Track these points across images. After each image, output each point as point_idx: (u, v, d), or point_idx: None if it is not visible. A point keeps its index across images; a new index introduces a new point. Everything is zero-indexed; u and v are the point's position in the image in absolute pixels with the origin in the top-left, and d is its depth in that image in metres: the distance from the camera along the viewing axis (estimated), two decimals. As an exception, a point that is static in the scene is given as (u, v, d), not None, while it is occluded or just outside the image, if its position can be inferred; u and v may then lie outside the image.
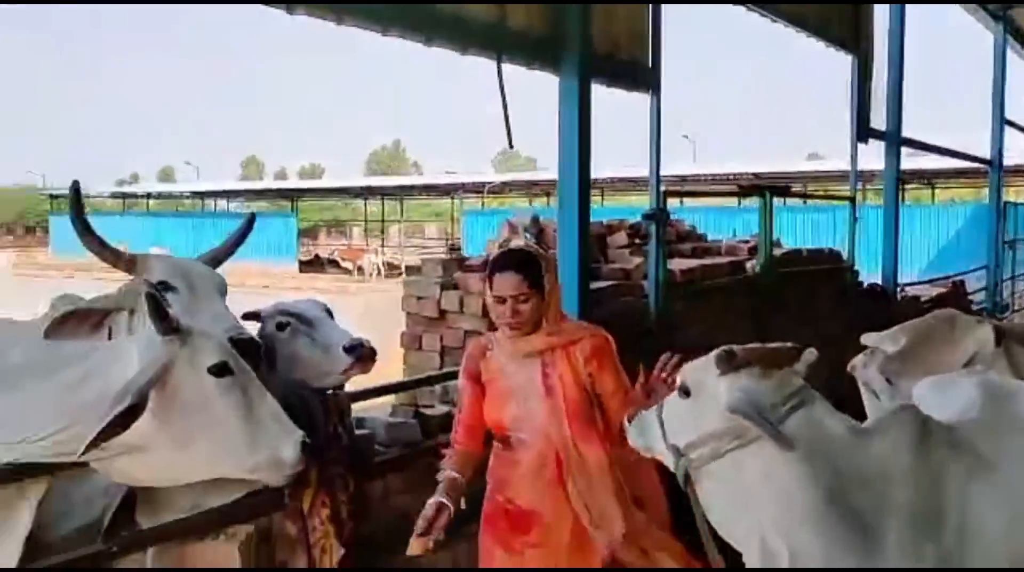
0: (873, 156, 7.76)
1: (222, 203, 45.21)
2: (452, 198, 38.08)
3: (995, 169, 10.73)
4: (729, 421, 2.26)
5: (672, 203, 5.49)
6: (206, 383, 2.44)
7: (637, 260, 5.18)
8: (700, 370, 2.37)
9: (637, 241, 5.59)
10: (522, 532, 2.93)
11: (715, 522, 2.43)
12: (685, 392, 2.38)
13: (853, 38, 7.33)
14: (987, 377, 3.03)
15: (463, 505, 2.85)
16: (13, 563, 2.41)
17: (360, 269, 29.20)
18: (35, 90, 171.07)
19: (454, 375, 3.95)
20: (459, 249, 31.36)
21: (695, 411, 2.35)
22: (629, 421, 2.66)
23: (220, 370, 2.47)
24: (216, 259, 3.26)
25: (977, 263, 13.21)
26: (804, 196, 12.57)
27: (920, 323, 4.19)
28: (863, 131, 7.34)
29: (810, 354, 2.38)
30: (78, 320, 2.83)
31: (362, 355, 3.03)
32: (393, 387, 3.93)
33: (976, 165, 11.63)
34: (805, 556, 2.31)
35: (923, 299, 8.82)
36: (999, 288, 10.57)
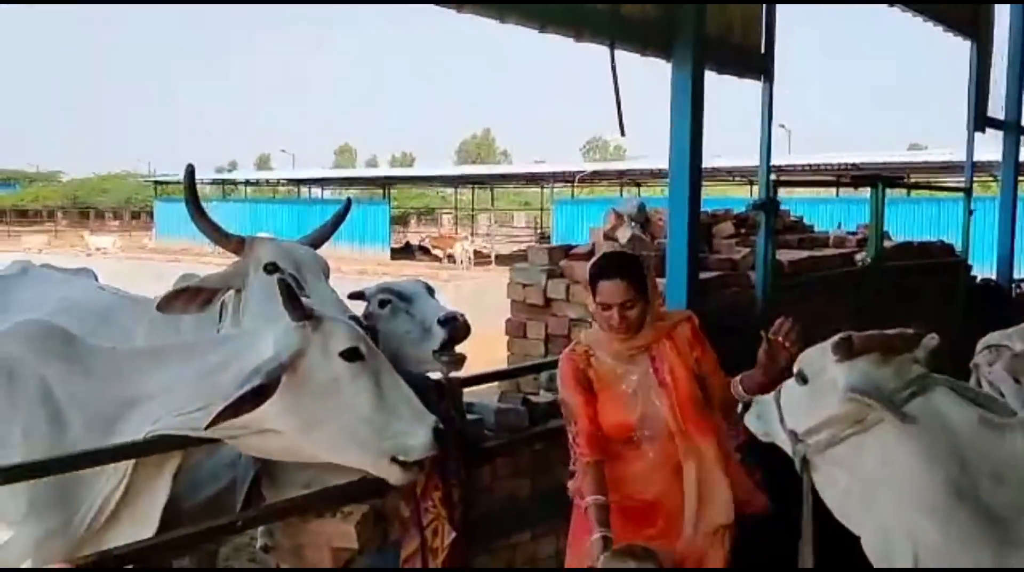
0: (980, 147, 7.41)
1: (316, 190, 46.25)
2: (542, 187, 38.08)
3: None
4: (847, 406, 2.24)
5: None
6: (338, 368, 2.52)
7: (744, 250, 5.08)
8: (817, 356, 2.36)
9: (743, 231, 5.49)
10: (648, 525, 2.88)
11: (832, 508, 2.40)
12: (803, 378, 2.37)
13: (972, 23, 7.01)
14: None
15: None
16: (152, 531, 2.53)
17: (451, 257, 29.45)
18: (142, 80, 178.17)
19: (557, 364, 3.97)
20: (548, 238, 31.40)
21: (812, 397, 2.34)
22: (745, 408, 2.63)
23: (351, 355, 2.55)
24: (316, 241, 3.38)
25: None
26: (918, 186, 12.07)
27: (1052, 319, 4.00)
28: (980, 120, 7.02)
29: (931, 340, 2.36)
30: (189, 296, 2.99)
31: (456, 328, 3.08)
32: (502, 373, 3.96)
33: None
34: (925, 547, 2.24)
35: (1040, 295, 8.41)
36: (1123, 285, 9.97)
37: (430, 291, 3.42)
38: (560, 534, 3.81)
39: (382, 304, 3.28)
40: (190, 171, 3.13)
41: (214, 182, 48.51)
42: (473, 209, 42.57)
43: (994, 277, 7.83)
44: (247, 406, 2.36)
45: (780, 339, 2.70)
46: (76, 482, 2.41)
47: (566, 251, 4.74)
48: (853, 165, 23.47)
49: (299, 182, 44.43)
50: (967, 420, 2.28)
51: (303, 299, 2.59)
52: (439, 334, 3.13)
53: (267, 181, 47.87)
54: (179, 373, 2.52)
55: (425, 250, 33.35)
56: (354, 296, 3.33)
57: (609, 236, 4.82)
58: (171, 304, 2.98)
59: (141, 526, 2.52)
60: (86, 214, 56.56)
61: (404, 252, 34.50)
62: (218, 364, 2.51)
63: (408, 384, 3.07)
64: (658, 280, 3.32)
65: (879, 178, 5.95)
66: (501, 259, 28.03)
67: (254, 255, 3.09)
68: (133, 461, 2.47)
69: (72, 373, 2.50)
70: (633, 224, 4.80)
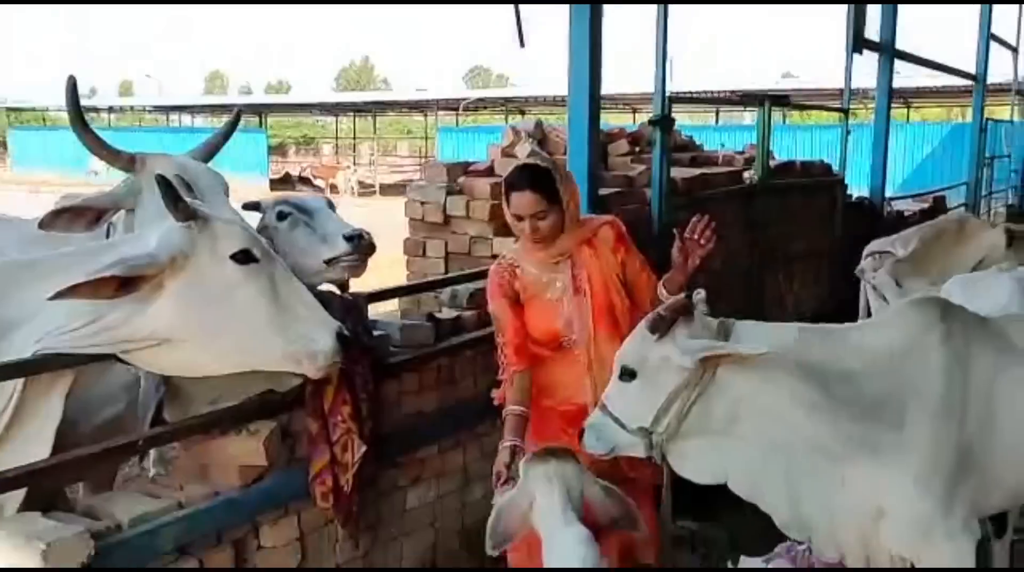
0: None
1: (186, 118, 44.17)
2: (425, 115, 37.52)
3: (979, 85, 10.72)
4: (684, 374, 2.33)
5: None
6: (229, 271, 2.38)
7: (639, 167, 5.15)
8: (637, 346, 2.43)
9: (637, 149, 5.55)
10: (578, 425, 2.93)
11: (692, 478, 2.53)
12: (629, 374, 2.43)
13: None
14: (1022, 272, 3.08)
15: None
16: (45, 454, 2.40)
17: (334, 187, 28.79)
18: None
19: (463, 279, 3.95)
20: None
21: (647, 385, 2.41)
22: (581, 433, 2.62)
23: (243, 257, 2.40)
24: (206, 156, 3.20)
25: (955, 180, 13.37)
26: (802, 107, 12.53)
27: (930, 226, 4.26)
28: (858, 42, 7.25)
29: (698, 294, 2.48)
30: (73, 215, 2.78)
31: (361, 245, 3.00)
32: (407, 289, 3.90)
33: (954, 83, 11.64)
34: (791, 461, 2.39)
35: (906, 214, 8.90)
36: (978, 204, 10.67)
37: (331, 207, 3.31)
38: (466, 447, 3.86)
39: (281, 216, 3.15)
40: (72, 84, 2.86)
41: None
42: (355, 138, 41.61)
43: (867, 196, 8.22)
44: (104, 291, 2.21)
45: (695, 237, 2.77)
46: None
47: (465, 168, 4.68)
48: (733, 92, 24.06)
49: (168, 109, 42.33)
50: (786, 337, 2.44)
51: (188, 200, 2.44)
52: (343, 248, 3.03)
53: (132, 108, 45.38)
54: (61, 286, 2.30)
55: (306, 180, 32.44)
56: (249, 206, 3.18)
57: (507, 153, 4.79)
58: (54, 222, 2.74)
59: (34, 447, 2.38)
60: (-70, 144, 52.40)
61: (284, 182, 33.49)
62: (102, 270, 2.28)
63: (316, 297, 3.01)
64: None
65: (766, 97, 6.10)
66: (385, 189, 27.63)
67: (147, 173, 2.85)
68: (21, 381, 2.31)
69: None
70: (531, 141, 4.77)
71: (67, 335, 2.33)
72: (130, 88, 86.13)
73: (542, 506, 2.42)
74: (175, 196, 2.36)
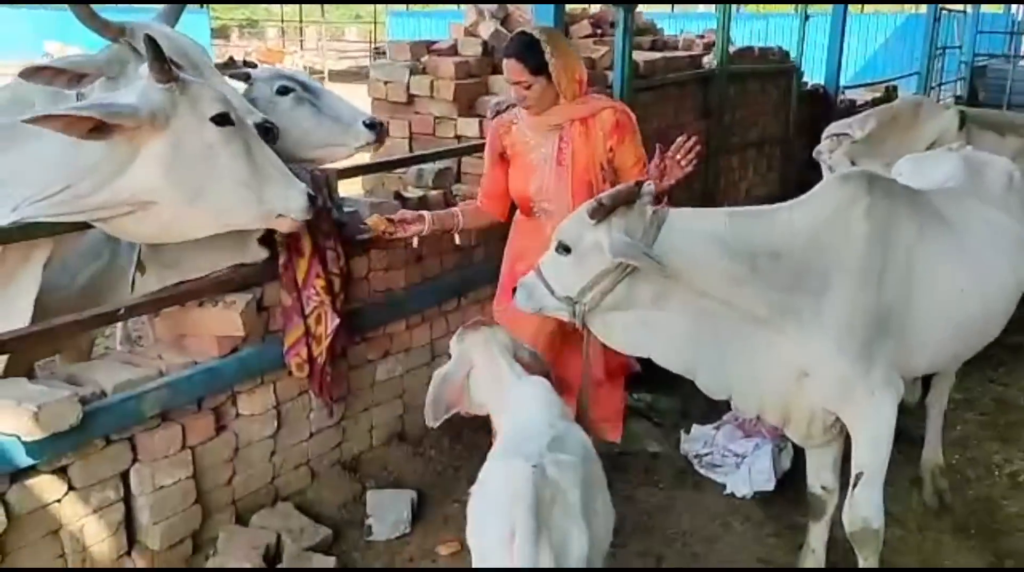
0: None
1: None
2: (375, -1, 36.19)
3: (935, -26, 10.72)
4: (610, 260, 2.44)
5: None
6: (209, 132, 2.45)
7: (602, 49, 5.13)
8: (575, 225, 2.52)
9: (599, 32, 5.53)
10: None
11: (617, 346, 2.69)
12: (565, 249, 2.52)
13: None
14: (969, 151, 3.21)
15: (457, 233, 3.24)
16: (25, 322, 2.45)
17: (281, 73, 27.89)
18: None
19: (429, 158, 3.99)
20: (384, 53, 30.24)
21: (579, 262, 2.50)
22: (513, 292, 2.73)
23: (222, 119, 2.47)
24: (172, 22, 3.15)
25: (907, 71, 13.47)
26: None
27: (887, 109, 4.36)
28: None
29: (648, 186, 2.56)
30: (54, 72, 2.75)
31: (381, 133, 3.07)
32: (373, 166, 3.91)
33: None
34: (716, 334, 2.57)
35: (859, 102, 9.01)
36: (928, 93, 10.80)
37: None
38: (432, 324, 3.98)
39: (283, 91, 3.16)
40: None
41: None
42: (301, 22, 40.11)
43: (822, 84, 8.29)
44: (76, 129, 2.22)
45: (678, 158, 2.83)
46: None
47: (428, 47, 4.63)
48: (689, -21, 23.59)
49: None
50: (715, 222, 2.56)
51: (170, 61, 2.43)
52: (365, 134, 3.12)
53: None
54: (35, 151, 2.34)
55: (251, 65, 31.36)
56: (236, 76, 3.16)
57: (471, 32, 4.74)
58: (35, 75, 2.72)
59: (14, 315, 2.42)
60: None
61: (228, 67, 32.33)
62: (73, 141, 2.29)
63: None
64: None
65: (727, -21, 6.07)
66: (335, 75, 26.87)
67: (135, 42, 2.83)
68: None
69: None
70: (495, 20, 4.73)
71: (43, 202, 2.35)
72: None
73: (484, 369, 2.51)
74: (160, 56, 2.37)
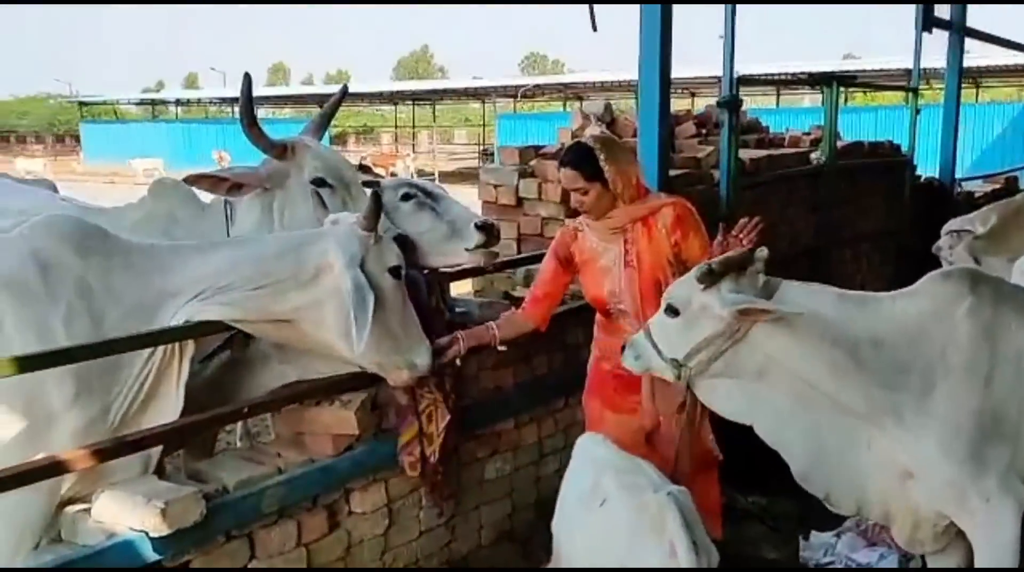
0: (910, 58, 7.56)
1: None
2: (483, 102, 37.63)
3: (1054, 63, 10.44)
4: (722, 324, 2.47)
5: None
6: (386, 281, 2.73)
7: (707, 149, 5.19)
8: (685, 289, 2.57)
9: (704, 132, 5.59)
10: (633, 392, 3.08)
11: (720, 412, 2.71)
12: (674, 312, 2.57)
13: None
14: (1098, 250, 3.08)
15: (498, 345, 3.26)
16: (175, 416, 2.59)
17: (394, 175, 29.09)
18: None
19: (537, 259, 4.05)
20: (491, 154, 31.16)
21: (688, 325, 2.54)
22: (621, 350, 2.81)
23: (396, 272, 2.77)
24: (319, 131, 3.39)
25: (1025, 161, 13.02)
26: (870, 86, 12.36)
27: (1009, 203, 4.24)
28: (928, 20, 7.14)
29: (761, 252, 2.58)
30: (214, 181, 3.04)
31: (493, 233, 3.18)
32: (483, 269, 4.01)
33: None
34: (814, 418, 2.51)
35: (976, 194, 8.74)
36: (1052, 185, 10.38)
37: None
38: (541, 423, 3.98)
39: (405, 198, 3.32)
40: (247, 81, 3.09)
41: (142, 102, 46.84)
42: (413, 126, 41.98)
43: (937, 177, 8.09)
44: (364, 317, 2.57)
45: (740, 236, 2.83)
46: (114, 370, 2.46)
47: (536, 151, 4.78)
48: (795, 74, 23.67)
49: (232, 101, 43.09)
50: (825, 301, 2.56)
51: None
52: (475, 236, 3.23)
53: (198, 101, 46.37)
54: (232, 259, 2.65)
55: (367, 169, 32.41)
56: (366, 184, 3.36)
57: (577, 135, 4.87)
58: (199, 181, 3.04)
59: (165, 413, 2.57)
60: (6, 139, 54.22)
61: (360, 172, 33.83)
62: (275, 253, 2.67)
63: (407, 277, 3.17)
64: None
65: (834, 77, 6.08)
66: (444, 176, 27.83)
67: (298, 162, 3.14)
68: (164, 346, 2.54)
69: (111, 268, 2.53)
70: (601, 124, 4.85)
71: (233, 295, 2.61)
72: (196, 81, 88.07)
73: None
74: (377, 212, 2.71)
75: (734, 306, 2.42)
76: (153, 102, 45.97)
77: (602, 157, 3.03)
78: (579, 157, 3.06)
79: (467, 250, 3.26)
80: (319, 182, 3.12)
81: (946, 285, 2.62)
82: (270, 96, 43.35)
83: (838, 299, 2.57)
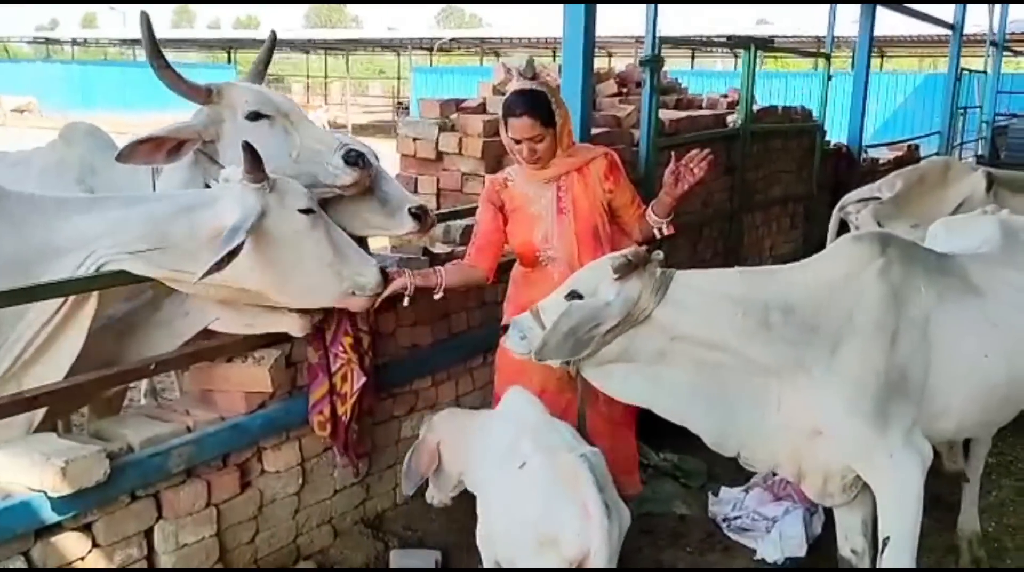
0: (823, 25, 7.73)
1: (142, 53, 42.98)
2: (398, 55, 36.94)
3: (956, 34, 10.79)
4: (620, 316, 2.49)
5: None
6: (298, 222, 2.63)
7: (628, 108, 5.18)
8: (594, 276, 2.56)
9: (624, 91, 5.58)
10: None
11: (615, 395, 2.70)
12: (577, 297, 2.54)
13: None
14: (1006, 216, 3.19)
15: (440, 291, 3.13)
16: (61, 376, 2.46)
17: (305, 126, 28.29)
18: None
19: (457, 215, 4.00)
20: (407, 108, 30.66)
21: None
22: (505, 329, 2.79)
23: (308, 210, 2.66)
24: (256, 81, 3.20)
25: (927, 130, 13.51)
26: (785, 51, 12.58)
27: (914, 170, 4.37)
28: (843, -13, 7.26)
29: (658, 255, 2.63)
30: (154, 146, 2.81)
31: (427, 223, 3.08)
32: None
33: (929, 32, 11.65)
34: (723, 388, 2.58)
35: (881, 161, 9.02)
36: (950, 152, 10.82)
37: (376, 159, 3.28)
38: (458, 380, 3.95)
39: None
40: (146, 21, 2.82)
41: (34, 41, 44.37)
42: (326, 77, 40.93)
43: (845, 143, 8.31)
44: (224, 264, 2.42)
45: (691, 165, 2.95)
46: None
47: (457, 105, 4.68)
48: (714, 36, 23.91)
49: (133, 43, 41.20)
50: (724, 278, 2.62)
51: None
52: (409, 224, 3.08)
53: (97, 41, 44.10)
54: (123, 217, 2.52)
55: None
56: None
57: (499, 90, 4.79)
58: (134, 154, 2.77)
59: (53, 372, 2.43)
60: None
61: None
62: (168, 214, 2.54)
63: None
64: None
65: (752, 40, 6.13)
66: (358, 129, 27.28)
67: (227, 103, 2.91)
68: (66, 300, 2.41)
69: None
70: (522, 78, 4.77)
71: (130, 255, 2.49)
72: (94, 20, 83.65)
73: (452, 434, 2.89)
74: (257, 160, 2.54)
75: (611, 317, 2.45)
76: (47, 40, 43.52)
77: (553, 102, 3.04)
78: (536, 104, 3.02)
79: (398, 236, 3.16)
80: (254, 116, 2.90)
81: (858, 247, 2.68)
82: (176, 39, 41.55)
83: (741, 275, 2.63)
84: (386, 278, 2.85)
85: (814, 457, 2.66)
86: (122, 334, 2.76)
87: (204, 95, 2.91)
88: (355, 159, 2.87)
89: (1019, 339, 2.75)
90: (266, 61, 3.31)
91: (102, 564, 2.54)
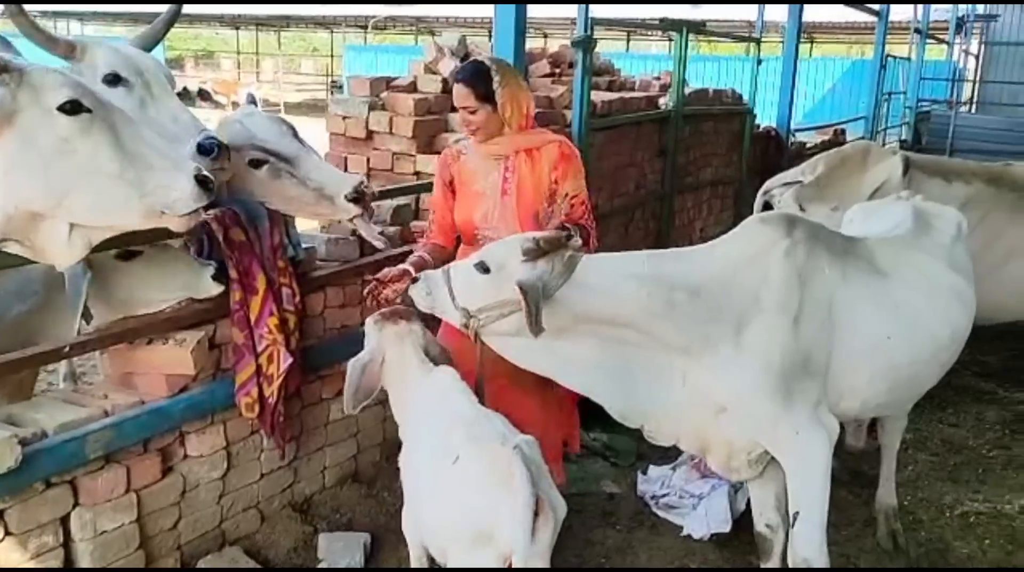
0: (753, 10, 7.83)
1: (75, 26, 41.60)
2: (332, 33, 36.31)
3: (882, 21, 11.05)
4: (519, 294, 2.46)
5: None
6: (61, 125, 2.17)
7: (560, 89, 5.17)
8: (504, 253, 2.55)
9: (558, 71, 5.57)
10: None
11: (515, 361, 2.68)
12: (484, 269, 2.55)
13: None
14: (919, 201, 3.27)
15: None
16: None
17: (236, 104, 27.71)
18: None
19: (386, 195, 3.95)
20: (340, 86, 30.17)
21: (492, 285, 2.52)
22: (414, 281, 2.73)
23: (73, 108, 2.18)
24: (147, 45, 3.05)
25: (853, 115, 13.83)
26: (718, 34, 12.72)
27: (835, 153, 4.46)
28: (773, -27, 7.36)
29: (575, 242, 2.60)
30: None
31: (366, 203, 3.01)
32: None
33: (856, 19, 11.92)
34: (644, 352, 2.61)
35: (808, 145, 9.21)
36: (875, 137, 11.09)
37: (294, 133, 3.10)
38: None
39: (255, 164, 2.96)
40: None
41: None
42: (257, 53, 40.02)
43: (774, 126, 8.45)
44: None
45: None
46: None
47: (388, 83, 4.62)
48: (647, 19, 24.04)
49: (54, 15, 39.74)
50: (631, 261, 2.64)
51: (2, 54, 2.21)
52: (350, 210, 2.99)
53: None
54: None
55: (206, 95, 31.07)
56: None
57: (431, 69, 4.74)
58: None
59: None
60: None
61: (183, 97, 31.91)
62: None
63: (239, 206, 2.98)
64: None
65: (684, 24, 6.17)
66: (290, 107, 26.82)
67: (88, 61, 2.71)
68: None
69: None
70: (455, 58, 4.73)
71: None
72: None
73: (394, 362, 2.73)
74: None
75: (521, 287, 2.41)
76: (-38, 11, 41.76)
77: (497, 78, 3.00)
78: (475, 75, 3.00)
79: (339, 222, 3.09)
80: (112, 79, 2.66)
81: (764, 228, 2.73)
82: (101, 12, 40.18)
83: (648, 258, 2.65)
84: (207, 188, 2.31)
85: (718, 432, 2.71)
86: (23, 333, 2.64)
87: (65, 49, 2.71)
88: (210, 148, 2.60)
89: (921, 321, 2.83)
90: (167, 25, 3.08)
91: (15, 553, 2.45)
